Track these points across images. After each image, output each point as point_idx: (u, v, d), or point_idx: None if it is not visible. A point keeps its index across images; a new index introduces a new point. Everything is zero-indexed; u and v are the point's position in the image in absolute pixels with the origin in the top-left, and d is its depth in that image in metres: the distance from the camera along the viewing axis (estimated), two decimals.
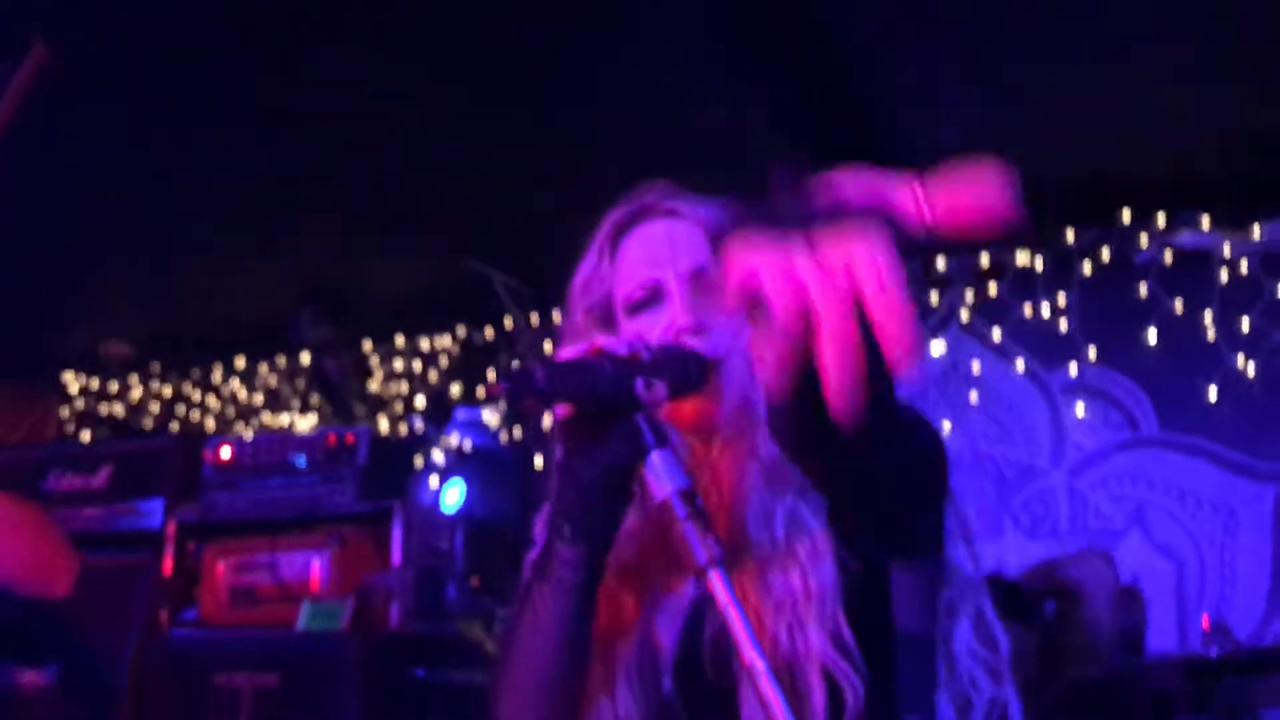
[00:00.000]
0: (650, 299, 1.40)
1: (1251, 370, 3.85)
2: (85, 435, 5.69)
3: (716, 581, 1.08)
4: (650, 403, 1.18)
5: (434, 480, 4.55)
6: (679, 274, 1.38)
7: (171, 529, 4.15)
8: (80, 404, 5.78)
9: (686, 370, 1.24)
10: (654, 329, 1.38)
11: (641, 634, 1.37)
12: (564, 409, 1.21)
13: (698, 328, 1.35)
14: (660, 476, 1.14)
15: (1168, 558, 3.90)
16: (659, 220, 1.43)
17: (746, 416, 1.39)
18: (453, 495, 4.18)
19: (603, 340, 1.21)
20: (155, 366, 5.64)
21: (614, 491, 1.24)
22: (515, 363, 4.84)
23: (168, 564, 4.13)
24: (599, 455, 1.21)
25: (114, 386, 5.75)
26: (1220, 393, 3.88)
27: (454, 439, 4.81)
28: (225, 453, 4.11)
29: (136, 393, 5.74)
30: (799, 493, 1.33)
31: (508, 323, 4.80)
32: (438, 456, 4.82)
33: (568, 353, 1.21)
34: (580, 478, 1.23)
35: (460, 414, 4.84)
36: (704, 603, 1.32)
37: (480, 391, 5.02)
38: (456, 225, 4.23)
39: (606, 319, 1.45)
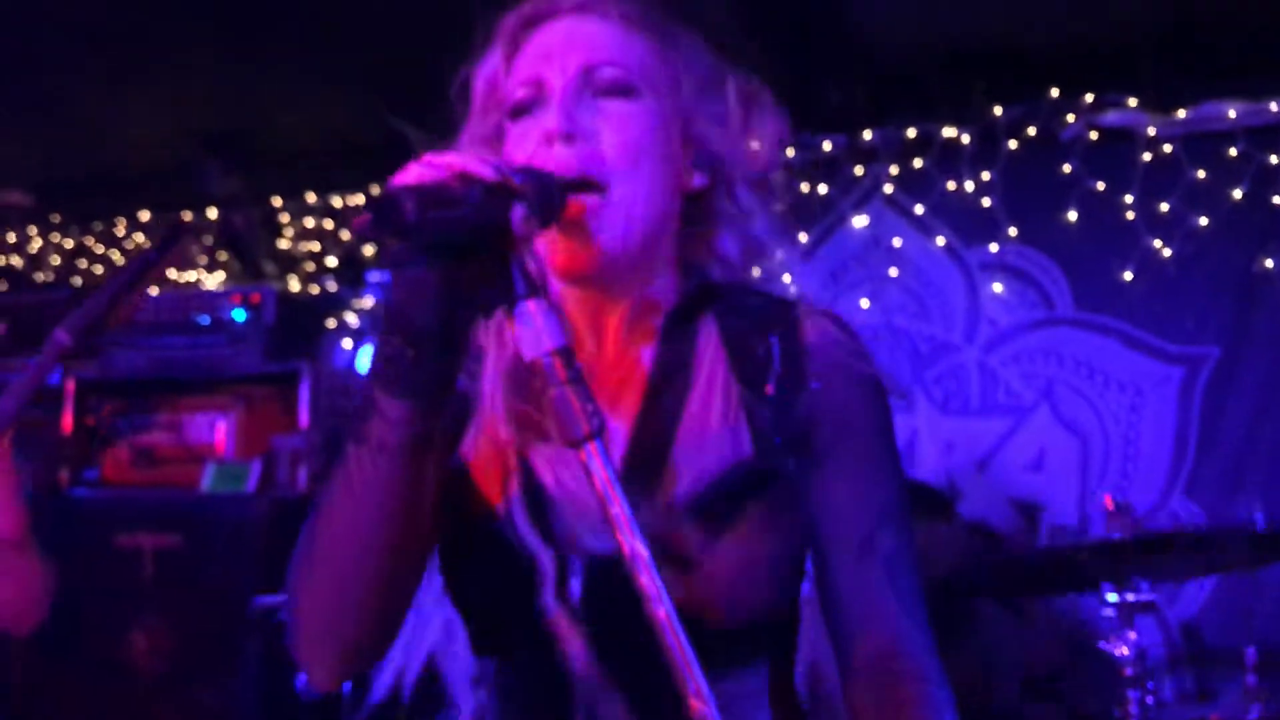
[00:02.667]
0: (532, 101, 1.22)
1: (1167, 252, 3.87)
2: None
3: (594, 457, 0.95)
4: (525, 237, 1.01)
5: (347, 342, 4.47)
6: (564, 71, 1.20)
7: (70, 386, 4.04)
8: None
9: (549, 196, 1.06)
10: (527, 137, 1.20)
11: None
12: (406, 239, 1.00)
13: (570, 134, 1.17)
14: (533, 331, 0.98)
15: (1073, 434, 3.96)
16: (565, 18, 1.25)
17: (631, 257, 1.21)
18: (368, 357, 4.11)
19: (463, 159, 1.00)
20: (55, 217, 5.42)
21: (455, 341, 1.05)
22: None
23: (67, 422, 4.02)
24: (450, 297, 1.02)
25: (11, 237, 5.53)
26: (1136, 274, 3.90)
27: (368, 301, 4.72)
28: None
29: (35, 244, 5.52)
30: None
31: None
32: (350, 318, 4.73)
33: (429, 174, 0.99)
34: (418, 321, 1.02)
35: (373, 275, 4.73)
36: None
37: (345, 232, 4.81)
38: (375, 77, 4.06)
39: (499, 129, 1.27)
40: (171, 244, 2.28)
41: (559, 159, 1.16)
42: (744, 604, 1.17)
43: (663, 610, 0.92)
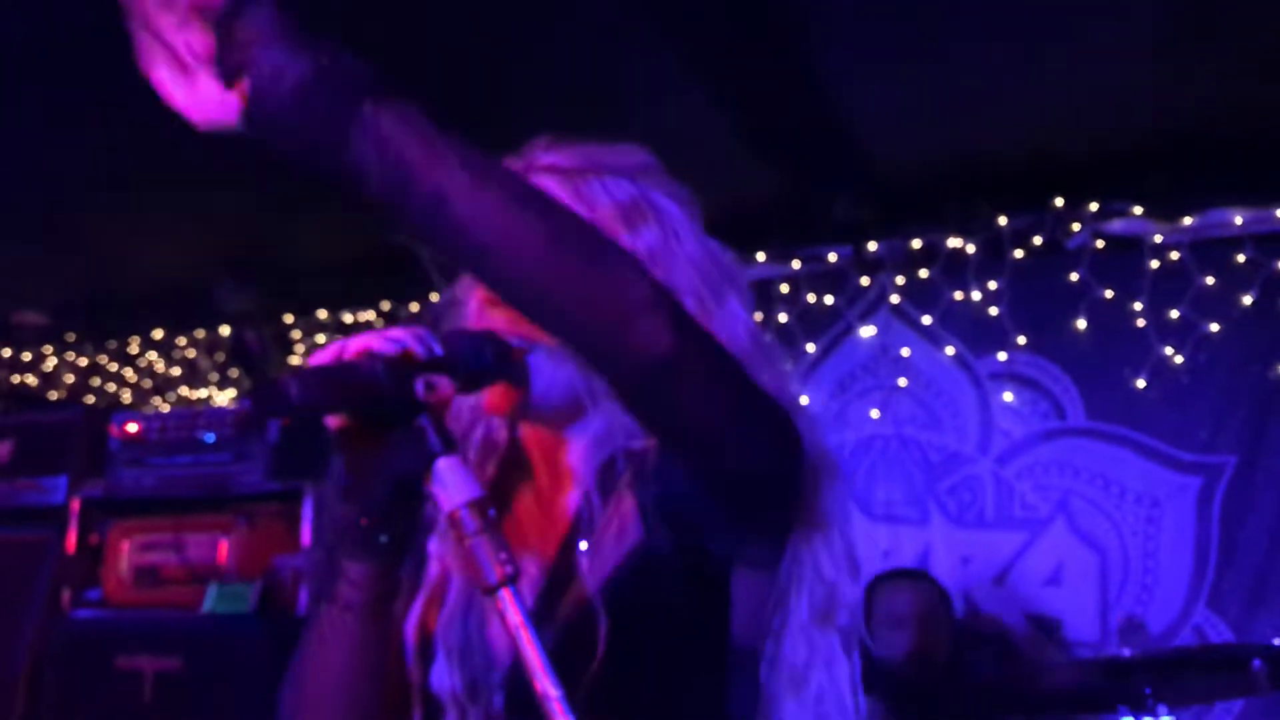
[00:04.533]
0: None
1: (1179, 360, 3.82)
2: None
3: (507, 602, 0.99)
4: (435, 403, 1.08)
5: None
6: None
7: (75, 506, 4.01)
8: None
9: (481, 357, 1.14)
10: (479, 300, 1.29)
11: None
12: (336, 419, 1.10)
13: (497, 300, 1.24)
14: (447, 486, 1.04)
15: (1091, 547, 3.88)
16: (535, 177, 1.28)
17: (566, 399, 1.26)
18: None
19: (367, 339, 1.09)
20: (70, 336, 5.47)
21: (403, 502, 1.14)
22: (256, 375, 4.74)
23: (71, 542, 3.99)
24: (381, 467, 1.10)
25: (26, 356, 5.57)
26: (1148, 382, 3.86)
27: None
28: (132, 427, 3.97)
29: (50, 363, 5.56)
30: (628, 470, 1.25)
31: (434, 298, 4.68)
32: None
33: (323, 357, 1.09)
34: (364, 492, 1.13)
35: None
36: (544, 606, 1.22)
37: (435, 298, 4.84)
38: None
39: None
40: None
41: (497, 320, 1.24)
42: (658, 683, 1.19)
43: None
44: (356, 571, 1.16)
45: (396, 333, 1.11)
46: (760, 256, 4.25)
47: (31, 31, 3.08)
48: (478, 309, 1.30)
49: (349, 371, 1.06)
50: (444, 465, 1.05)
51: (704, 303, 1.27)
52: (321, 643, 1.19)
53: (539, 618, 1.11)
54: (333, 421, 1.11)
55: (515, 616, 0.98)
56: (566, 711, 0.94)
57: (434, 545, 1.30)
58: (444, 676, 1.24)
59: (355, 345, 1.09)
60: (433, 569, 1.30)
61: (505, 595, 0.99)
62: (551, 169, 1.30)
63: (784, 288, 4.28)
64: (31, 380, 5.56)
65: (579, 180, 1.29)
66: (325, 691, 1.19)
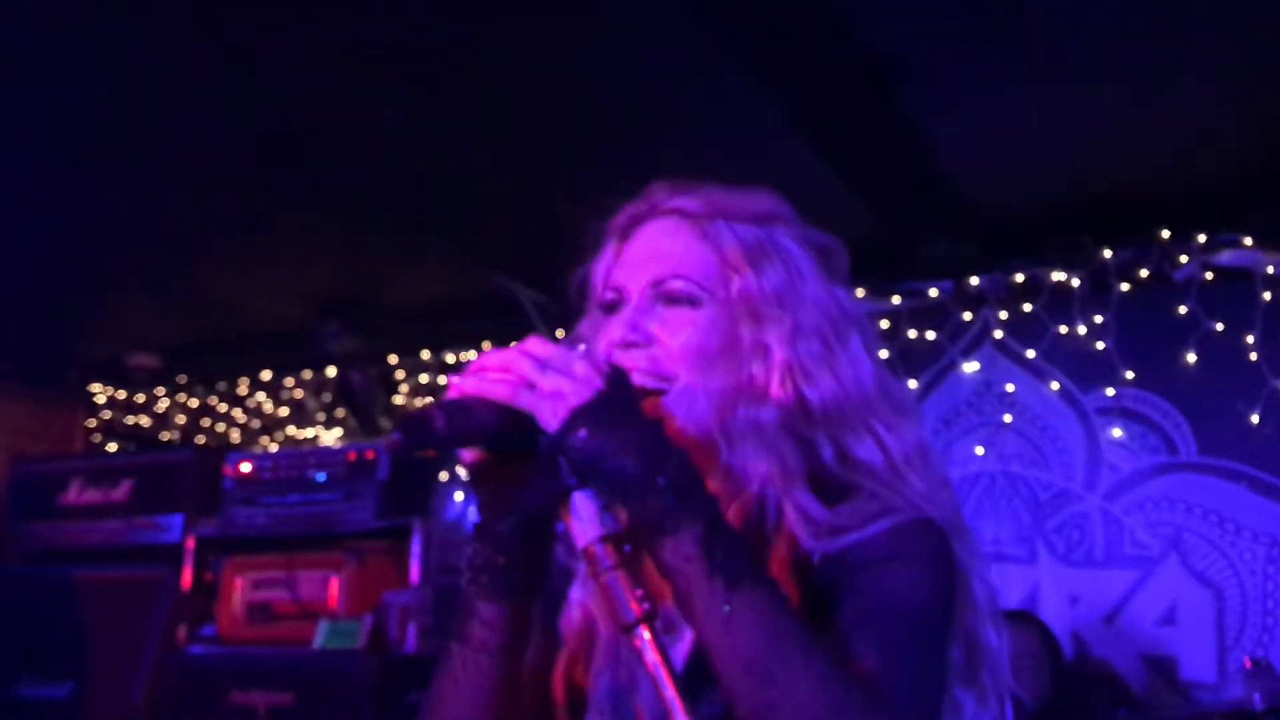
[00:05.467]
0: (614, 303, 1.28)
1: None
2: (111, 447, 5.69)
3: (644, 640, 0.97)
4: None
5: (458, 496, 4.50)
6: (638, 282, 1.27)
7: (190, 544, 4.13)
8: (106, 415, 5.77)
9: (616, 391, 1.10)
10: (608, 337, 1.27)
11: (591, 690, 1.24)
12: (472, 453, 1.10)
13: (631, 342, 1.23)
14: (582, 520, 1.02)
15: (1206, 586, 3.78)
16: (660, 220, 1.32)
17: (702, 438, 1.23)
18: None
19: (508, 359, 1.08)
20: (181, 378, 5.63)
21: (536, 539, 1.13)
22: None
23: (186, 579, 4.10)
24: (516, 502, 1.09)
25: (140, 398, 5.74)
26: (1262, 416, 3.77)
27: None
28: (245, 467, 4.08)
29: (162, 404, 5.72)
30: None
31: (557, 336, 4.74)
32: (462, 472, 4.77)
33: (468, 388, 1.07)
34: (496, 528, 1.12)
35: None
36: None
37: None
38: (482, 238, 4.19)
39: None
40: None
41: (630, 360, 1.23)
42: None
43: None
44: (489, 612, 1.14)
45: (535, 347, 1.09)
46: (859, 292, 4.24)
47: (144, 84, 3.19)
48: (607, 351, 1.28)
49: (490, 403, 1.05)
50: (579, 499, 1.04)
51: (828, 343, 1.28)
52: (454, 683, 1.18)
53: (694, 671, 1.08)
54: (468, 456, 1.11)
55: (653, 655, 0.96)
56: None
57: (575, 592, 1.29)
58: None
59: (496, 365, 1.08)
60: (574, 615, 1.28)
61: (643, 633, 0.97)
62: (678, 211, 1.32)
63: (884, 324, 4.26)
64: (145, 421, 5.72)
65: (706, 223, 1.30)
66: None
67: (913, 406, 1.33)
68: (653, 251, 1.29)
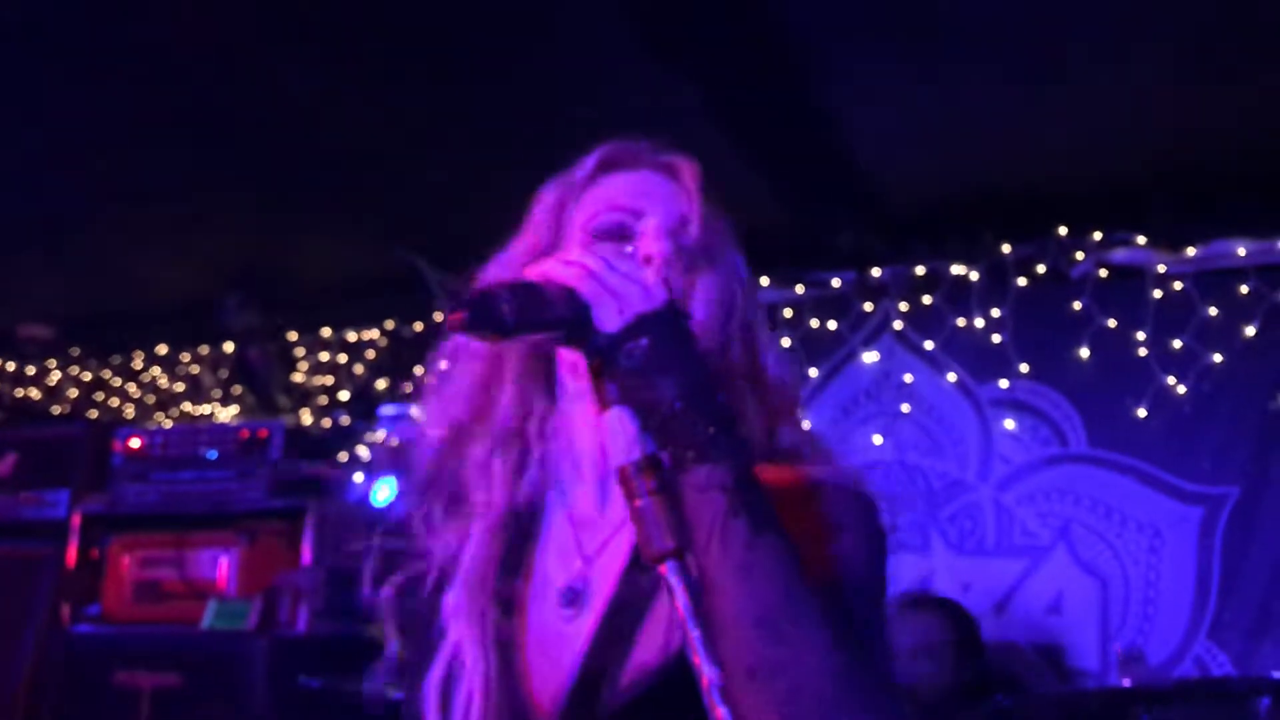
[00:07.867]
0: (620, 229, 1.21)
1: (1182, 390, 3.83)
2: None
3: (674, 576, 0.91)
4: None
5: (359, 476, 4.44)
6: (657, 218, 1.21)
7: (76, 520, 4.01)
8: None
9: (677, 309, 1.05)
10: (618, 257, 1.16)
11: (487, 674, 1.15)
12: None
13: (665, 274, 1.16)
14: (619, 438, 0.96)
15: (1092, 575, 3.87)
16: (645, 171, 1.27)
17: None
18: (384, 492, 4.07)
19: (577, 261, 1.04)
20: (74, 350, 5.48)
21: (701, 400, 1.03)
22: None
23: (71, 556, 3.99)
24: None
25: (30, 370, 5.58)
26: (1150, 411, 3.86)
27: (380, 435, 4.71)
28: (135, 443, 3.98)
29: (54, 377, 5.57)
30: None
31: (437, 317, 4.69)
32: (362, 452, 4.72)
33: (533, 274, 1.03)
34: (669, 374, 1.01)
35: (386, 409, 4.73)
36: (619, 617, 1.13)
37: (439, 318, 4.79)
38: (386, 216, 4.13)
39: (555, 245, 1.24)
40: None
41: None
42: None
43: None
44: (715, 474, 1.00)
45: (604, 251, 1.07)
46: (764, 281, 4.27)
47: (40, 49, 3.10)
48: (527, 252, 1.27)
49: (558, 290, 1.01)
50: (617, 415, 0.98)
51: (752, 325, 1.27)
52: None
53: None
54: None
55: (680, 590, 0.91)
56: (719, 700, 0.89)
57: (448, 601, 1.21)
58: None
59: (562, 259, 1.05)
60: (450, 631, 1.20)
61: (673, 566, 0.92)
62: (668, 168, 1.29)
63: (787, 312, 4.29)
64: (35, 394, 5.56)
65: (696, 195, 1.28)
66: None
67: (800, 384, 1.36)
68: (672, 191, 1.26)
